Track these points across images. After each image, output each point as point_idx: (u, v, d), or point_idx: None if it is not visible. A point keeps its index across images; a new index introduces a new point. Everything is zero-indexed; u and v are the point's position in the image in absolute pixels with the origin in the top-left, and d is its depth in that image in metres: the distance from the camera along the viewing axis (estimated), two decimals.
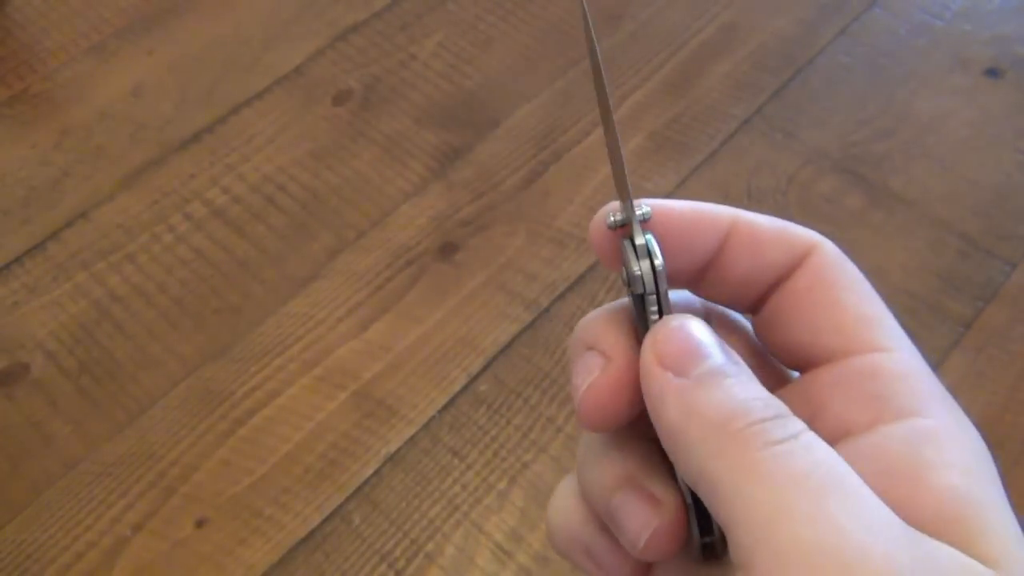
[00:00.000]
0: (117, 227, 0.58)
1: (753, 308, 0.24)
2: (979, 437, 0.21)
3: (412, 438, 0.49)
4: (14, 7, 0.70)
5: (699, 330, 0.21)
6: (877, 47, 0.65)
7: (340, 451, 0.49)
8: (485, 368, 0.51)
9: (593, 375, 0.22)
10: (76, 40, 0.68)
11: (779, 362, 0.24)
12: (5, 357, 0.53)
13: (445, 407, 0.50)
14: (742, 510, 0.18)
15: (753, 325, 0.25)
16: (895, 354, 0.22)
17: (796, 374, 0.24)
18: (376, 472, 0.48)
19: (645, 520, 0.22)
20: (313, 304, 0.54)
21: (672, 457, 0.20)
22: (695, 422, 0.19)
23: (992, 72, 0.63)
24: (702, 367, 0.20)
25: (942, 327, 0.52)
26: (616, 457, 0.23)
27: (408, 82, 0.65)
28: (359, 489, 0.48)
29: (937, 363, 0.51)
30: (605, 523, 0.23)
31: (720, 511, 0.19)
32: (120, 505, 0.48)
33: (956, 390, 0.54)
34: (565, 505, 0.24)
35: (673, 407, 0.20)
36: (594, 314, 0.24)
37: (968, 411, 0.46)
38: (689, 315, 0.22)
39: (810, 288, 0.23)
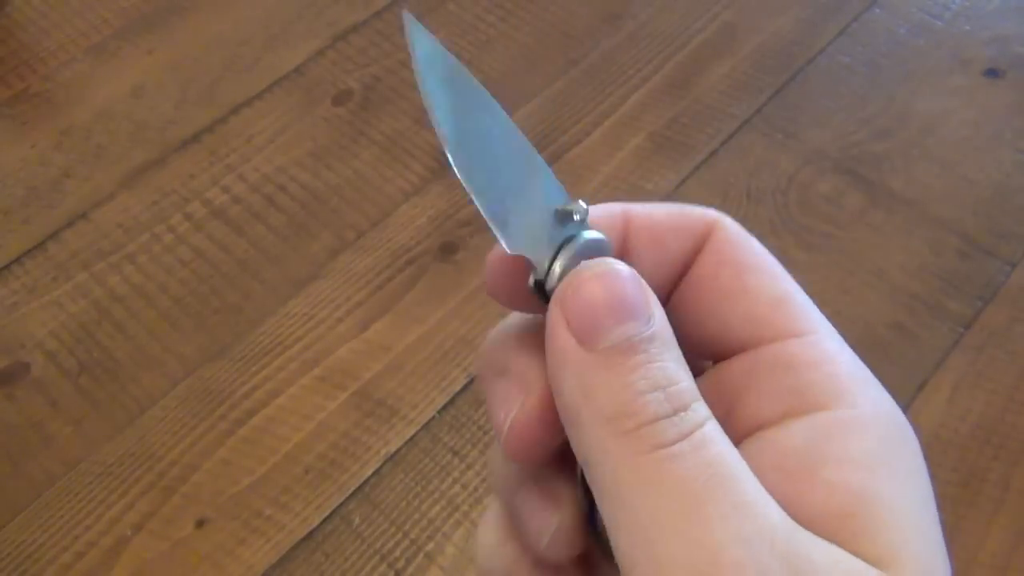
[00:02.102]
0: (117, 227, 0.58)
1: (664, 301, 0.21)
2: (897, 425, 0.20)
3: (412, 438, 0.49)
4: (14, 7, 0.70)
5: (619, 284, 0.19)
6: (877, 47, 0.65)
7: (340, 451, 0.49)
8: None
9: (513, 411, 0.20)
10: (76, 40, 0.68)
11: (691, 353, 0.21)
12: (5, 357, 0.53)
13: (445, 407, 0.50)
14: (622, 515, 0.17)
15: None
16: (809, 338, 0.21)
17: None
18: (376, 472, 0.48)
19: (545, 520, 0.21)
20: (313, 304, 0.54)
21: (566, 431, 0.19)
22: (588, 408, 0.18)
23: (992, 72, 0.63)
24: (611, 338, 0.18)
25: (942, 327, 0.52)
26: None
27: (408, 82, 0.65)
28: (359, 489, 0.48)
29: (937, 363, 0.51)
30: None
31: (603, 508, 0.18)
32: (120, 505, 0.48)
33: (956, 390, 0.55)
34: (491, 523, 0.23)
35: (570, 382, 0.18)
36: (503, 330, 0.22)
37: (968, 411, 0.46)
38: (613, 261, 0.19)
39: (715, 274, 0.22)
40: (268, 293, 0.55)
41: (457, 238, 0.57)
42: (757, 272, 0.22)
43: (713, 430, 0.18)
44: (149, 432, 0.50)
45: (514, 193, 0.21)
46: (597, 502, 0.18)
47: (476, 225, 0.57)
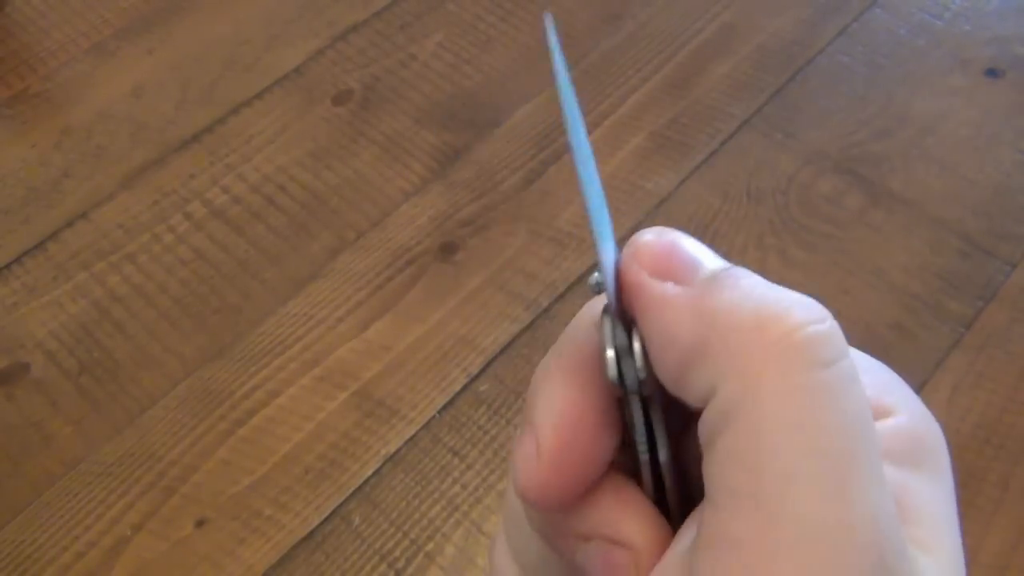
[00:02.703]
0: (117, 227, 0.58)
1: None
2: (932, 433, 0.18)
3: (412, 438, 0.49)
4: (14, 7, 0.70)
5: (686, 238, 0.17)
6: (877, 47, 0.65)
7: (340, 451, 0.49)
8: (485, 368, 0.51)
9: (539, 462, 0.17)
10: (76, 40, 0.68)
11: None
12: (5, 357, 0.53)
13: (445, 407, 0.50)
14: (755, 459, 0.15)
15: None
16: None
17: None
18: (376, 472, 0.48)
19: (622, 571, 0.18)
20: (313, 304, 0.54)
21: (681, 382, 0.16)
22: (718, 330, 0.15)
23: (992, 72, 0.63)
24: (705, 270, 0.16)
25: (942, 327, 0.52)
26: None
27: (408, 82, 0.65)
28: (359, 489, 0.48)
29: (937, 363, 0.51)
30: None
31: (727, 446, 0.15)
32: (120, 505, 0.48)
33: (956, 390, 0.55)
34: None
35: (687, 317, 0.16)
36: (556, 379, 0.18)
37: (968, 411, 0.46)
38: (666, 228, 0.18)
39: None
40: (268, 293, 0.55)
41: (457, 238, 0.57)
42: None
43: (850, 363, 0.16)
44: (149, 432, 0.50)
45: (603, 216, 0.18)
46: (710, 441, 0.16)
47: (476, 225, 0.57)
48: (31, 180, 0.61)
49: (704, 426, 0.16)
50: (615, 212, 0.57)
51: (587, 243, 0.56)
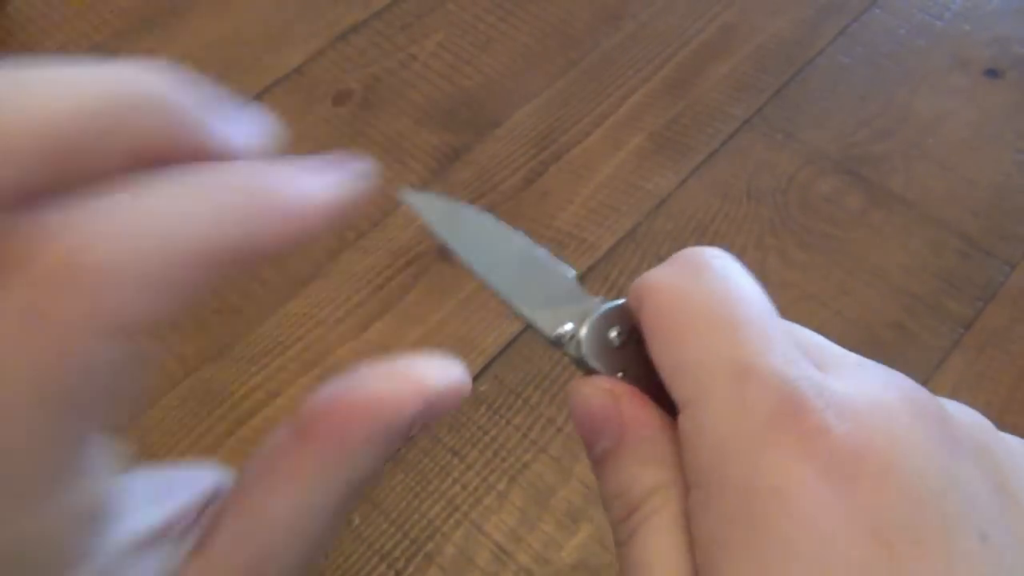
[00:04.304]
0: None
1: None
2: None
3: (411, 438, 0.49)
4: (14, 7, 0.70)
5: (588, 409, 0.22)
6: (877, 47, 0.65)
7: None
8: (485, 368, 0.51)
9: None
10: (76, 40, 0.68)
11: None
12: None
13: None
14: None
15: None
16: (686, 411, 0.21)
17: None
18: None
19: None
20: (313, 304, 0.54)
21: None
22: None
23: (992, 72, 0.63)
24: (590, 454, 0.22)
25: (942, 327, 0.52)
26: None
27: (408, 82, 0.65)
28: None
29: (937, 363, 0.51)
30: None
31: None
32: None
33: (956, 390, 0.54)
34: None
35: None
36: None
37: None
38: (592, 383, 0.22)
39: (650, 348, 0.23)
40: (268, 293, 0.55)
41: None
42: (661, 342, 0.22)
43: (648, 527, 0.20)
44: (149, 432, 0.50)
45: (534, 286, 0.26)
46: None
47: None
48: None
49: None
50: (615, 212, 0.57)
51: (587, 243, 0.56)
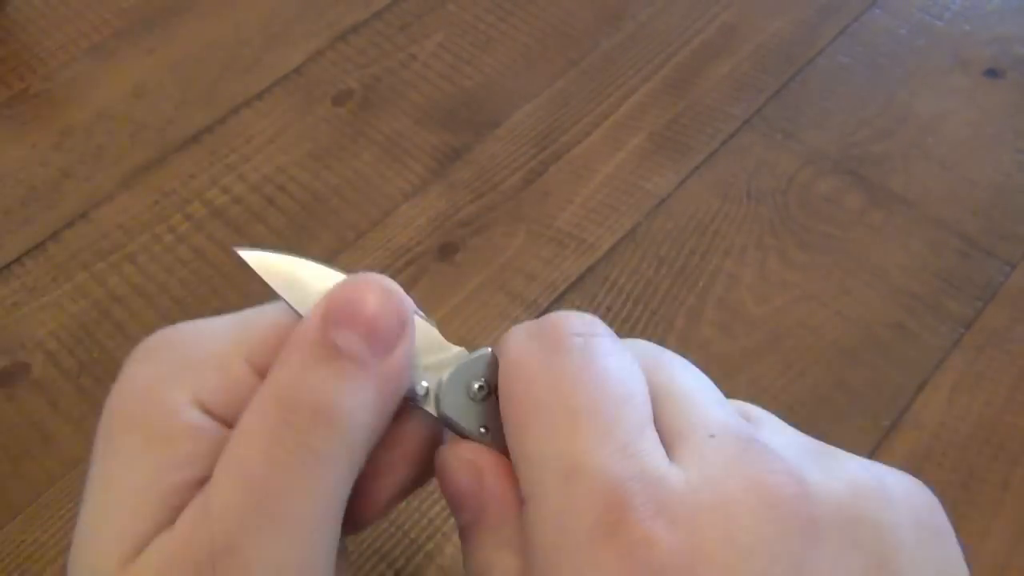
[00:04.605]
0: (117, 227, 0.58)
1: None
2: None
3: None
4: (14, 7, 0.70)
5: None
6: (877, 47, 0.65)
7: None
8: None
9: None
10: (76, 40, 0.68)
11: None
12: (5, 357, 0.53)
13: None
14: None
15: None
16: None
17: None
18: None
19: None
20: None
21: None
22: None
23: (992, 72, 0.63)
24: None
25: (942, 327, 0.52)
26: None
27: (408, 82, 0.65)
28: None
29: (937, 363, 0.51)
30: None
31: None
32: None
33: (956, 390, 0.54)
34: None
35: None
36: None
37: (968, 411, 0.46)
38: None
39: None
40: (268, 294, 0.55)
41: (457, 238, 0.57)
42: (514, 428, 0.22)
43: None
44: None
45: None
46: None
47: (476, 225, 0.57)
48: (31, 180, 0.61)
49: None
50: (615, 212, 0.57)
51: (587, 243, 0.56)
